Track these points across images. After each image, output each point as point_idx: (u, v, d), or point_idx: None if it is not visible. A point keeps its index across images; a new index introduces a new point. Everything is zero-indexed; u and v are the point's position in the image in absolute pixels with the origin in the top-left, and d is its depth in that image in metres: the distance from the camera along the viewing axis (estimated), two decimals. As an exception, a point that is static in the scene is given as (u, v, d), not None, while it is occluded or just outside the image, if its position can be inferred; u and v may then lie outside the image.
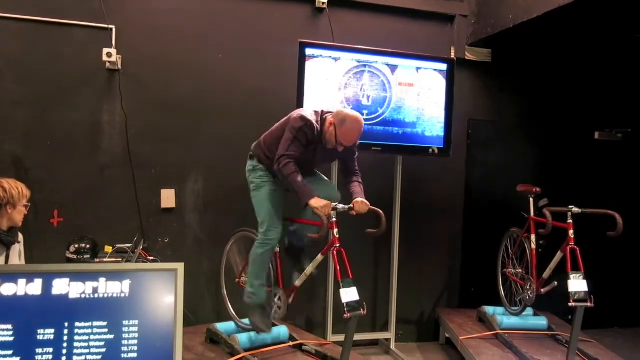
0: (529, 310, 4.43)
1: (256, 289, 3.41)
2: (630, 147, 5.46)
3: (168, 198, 4.27)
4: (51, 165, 4.03)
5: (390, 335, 4.62)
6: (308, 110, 3.30)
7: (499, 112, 5.13)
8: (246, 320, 3.71)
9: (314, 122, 3.16)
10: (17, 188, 2.94)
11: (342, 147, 3.21)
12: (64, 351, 2.04)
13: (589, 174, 5.19)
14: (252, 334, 3.59)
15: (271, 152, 3.29)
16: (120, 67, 4.08)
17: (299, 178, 3.09)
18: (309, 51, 4.05)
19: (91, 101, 4.11)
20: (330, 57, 4.11)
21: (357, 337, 3.86)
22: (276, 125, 3.36)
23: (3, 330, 1.99)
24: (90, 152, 4.13)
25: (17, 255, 3.01)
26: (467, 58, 4.92)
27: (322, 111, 3.28)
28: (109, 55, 3.97)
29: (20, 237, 3.06)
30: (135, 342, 2.12)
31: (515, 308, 4.35)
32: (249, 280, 3.43)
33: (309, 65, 4.04)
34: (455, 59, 4.64)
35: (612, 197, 4.55)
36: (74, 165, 4.07)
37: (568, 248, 3.69)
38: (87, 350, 2.06)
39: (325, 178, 3.62)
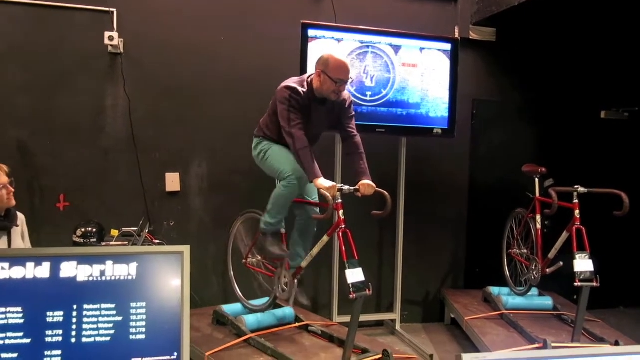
0: (534, 291, 4.43)
1: (276, 221, 3.39)
2: (637, 126, 5.41)
3: (173, 181, 4.28)
4: (56, 150, 4.03)
5: (396, 316, 4.65)
6: (290, 80, 3.31)
7: (504, 92, 5.09)
8: (253, 302, 3.74)
9: (298, 86, 3.20)
10: None
11: (344, 86, 3.22)
12: (73, 333, 2.06)
13: (595, 154, 5.16)
14: (259, 315, 3.62)
15: (270, 130, 3.36)
16: (122, 50, 4.07)
17: (310, 155, 3.11)
18: (311, 32, 4.02)
19: (94, 85, 4.10)
20: (333, 38, 4.08)
21: (363, 318, 3.88)
22: (269, 106, 3.41)
23: (13, 312, 2.00)
24: (95, 136, 4.13)
25: (19, 237, 2.91)
26: (471, 38, 4.87)
27: (307, 76, 3.32)
28: (111, 38, 3.95)
29: (21, 218, 2.94)
30: (143, 323, 2.14)
31: (521, 288, 4.36)
32: (269, 214, 3.38)
33: (311, 46, 4.01)
34: (459, 38, 4.60)
35: (619, 176, 4.53)
36: (78, 150, 4.08)
37: (574, 228, 3.68)
38: (96, 332, 2.08)
39: None
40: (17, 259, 2.06)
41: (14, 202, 2.82)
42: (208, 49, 4.30)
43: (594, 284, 3.48)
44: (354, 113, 3.46)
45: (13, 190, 2.80)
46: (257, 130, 3.51)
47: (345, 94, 3.37)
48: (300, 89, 3.20)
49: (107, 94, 4.13)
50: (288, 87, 3.20)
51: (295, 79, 3.32)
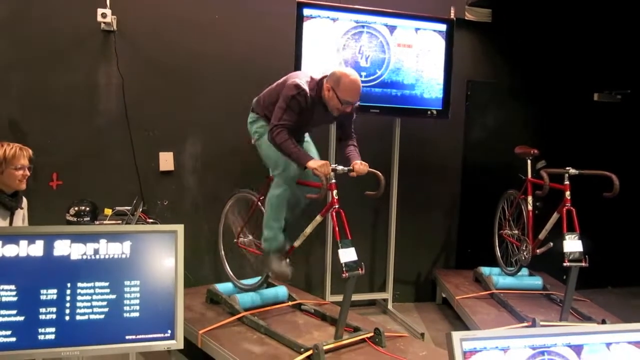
0: (525, 271, 4.48)
1: (275, 231, 3.37)
2: (629, 108, 5.43)
3: (166, 161, 4.27)
4: (49, 128, 4.01)
5: (388, 295, 4.70)
6: (304, 76, 3.21)
7: (499, 73, 5.09)
8: (244, 281, 3.76)
9: (308, 90, 3.11)
10: (5, 150, 2.79)
11: (350, 107, 3.16)
12: (67, 311, 2.07)
13: (587, 136, 5.18)
14: (252, 294, 3.64)
15: (269, 111, 3.30)
16: (115, 28, 4.02)
17: (293, 144, 3.09)
18: (306, 11, 3.99)
19: (87, 63, 4.06)
20: (328, 17, 4.05)
21: (355, 297, 3.93)
22: (274, 84, 3.33)
23: (6, 290, 2.02)
24: (88, 114, 4.10)
25: (20, 220, 2.97)
26: (467, 18, 4.85)
27: (321, 78, 3.20)
28: (104, 15, 3.90)
29: (25, 202, 3.01)
30: (137, 301, 2.16)
31: (511, 268, 4.41)
32: (266, 224, 3.39)
33: (306, 25, 3.99)
34: (454, 19, 4.57)
35: (611, 158, 4.55)
36: (71, 128, 4.06)
37: (564, 209, 3.71)
38: (89, 310, 2.10)
39: (312, 148, 3.57)
40: (10, 237, 2.07)
41: (24, 187, 2.89)
42: (202, 26, 4.26)
43: (583, 264, 3.52)
44: (355, 116, 3.41)
45: (28, 175, 2.89)
46: (255, 104, 3.45)
47: None
48: (308, 91, 3.10)
49: (100, 72, 4.09)
50: (297, 87, 3.09)
51: (308, 76, 3.20)
